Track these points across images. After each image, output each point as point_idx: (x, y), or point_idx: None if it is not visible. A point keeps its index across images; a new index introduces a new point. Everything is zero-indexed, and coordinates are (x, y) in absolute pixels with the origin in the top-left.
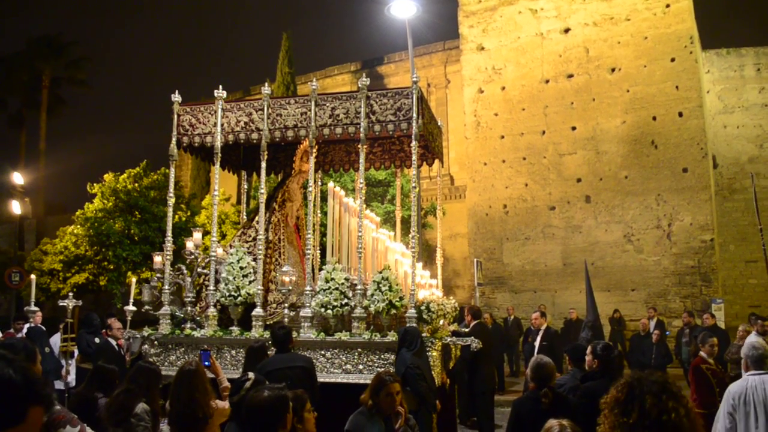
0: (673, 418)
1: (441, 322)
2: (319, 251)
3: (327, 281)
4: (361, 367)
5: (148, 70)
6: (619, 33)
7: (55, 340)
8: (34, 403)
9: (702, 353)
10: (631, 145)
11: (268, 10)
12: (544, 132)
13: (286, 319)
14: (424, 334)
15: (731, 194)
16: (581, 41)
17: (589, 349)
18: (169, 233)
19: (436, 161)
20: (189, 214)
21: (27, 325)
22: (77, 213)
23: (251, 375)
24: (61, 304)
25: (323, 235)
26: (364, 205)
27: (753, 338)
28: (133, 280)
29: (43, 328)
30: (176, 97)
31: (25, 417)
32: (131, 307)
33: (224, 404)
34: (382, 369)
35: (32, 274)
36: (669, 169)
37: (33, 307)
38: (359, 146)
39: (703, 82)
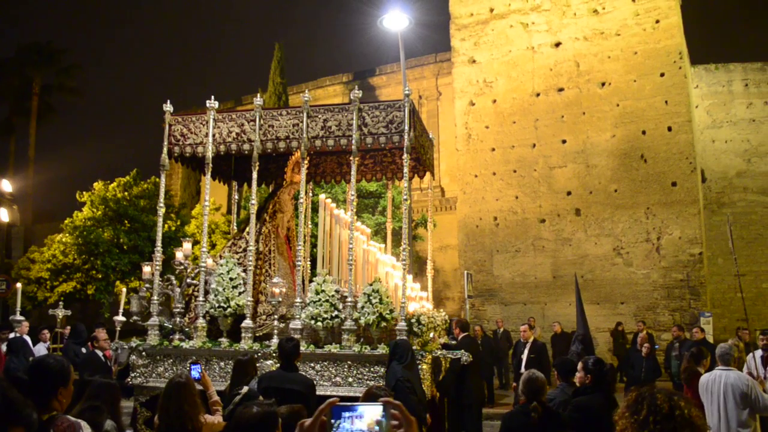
0: (685, 414)
1: (431, 334)
2: (309, 263)
3: (317, 293)
4: (350, 380)
5: (139, 79)
6: (610, 48)
7: (39, 350)
8: (13, 425)
9: (700, 370)
10: (621, 158)
11: (261, 20)
12: (534, 145)
13: (275, 331)
14: (414, 347)
15: (720, 208)
16: (572, 55)
17: (580, 365)
18: (159, 243)
19: (427, 173)
20: (179, 223)
21: (12, 335)
22: (66, 221)
23: (245, 389)
24: (51, 312)
25: (314, 246)
26: (355, 217)
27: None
28: (123, 289)
29: (27, 338)
30: (168, 107)
31: None
32: (120, 318)
33: (213, 419)
34: (372, 382)
35: (18, 283)
36: (658, 183)
37: (18, 317)
38: (351, 158)
39: (692, 97)
